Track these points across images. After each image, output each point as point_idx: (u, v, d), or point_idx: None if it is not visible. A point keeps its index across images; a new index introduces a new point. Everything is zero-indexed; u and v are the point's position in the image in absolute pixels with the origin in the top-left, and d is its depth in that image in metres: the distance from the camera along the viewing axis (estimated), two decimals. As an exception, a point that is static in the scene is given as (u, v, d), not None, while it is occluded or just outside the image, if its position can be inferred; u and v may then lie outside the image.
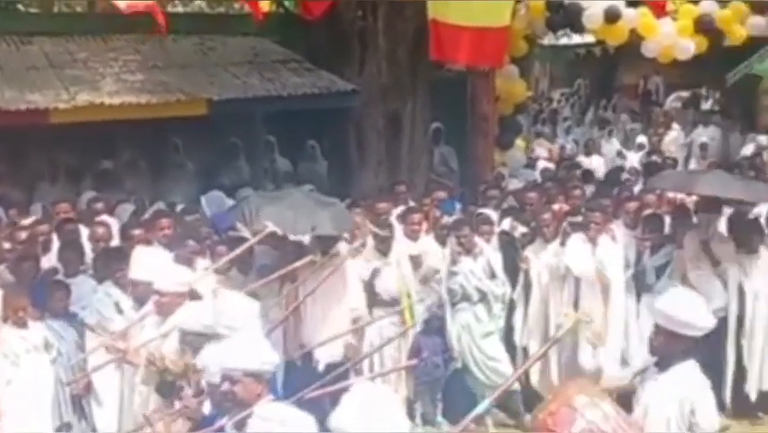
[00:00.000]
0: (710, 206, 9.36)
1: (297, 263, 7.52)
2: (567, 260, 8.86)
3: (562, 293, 8.98)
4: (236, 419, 4.58)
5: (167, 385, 6.28)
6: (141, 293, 7.23)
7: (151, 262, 7.26)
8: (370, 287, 8.64)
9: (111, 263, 7.87)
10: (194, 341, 5.91)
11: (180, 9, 13.62)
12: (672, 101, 24.08)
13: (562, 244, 8.94)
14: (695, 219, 9.42)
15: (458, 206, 10.71)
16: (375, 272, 8.66)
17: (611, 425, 4.13)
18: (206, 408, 5.39)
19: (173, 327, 6.42)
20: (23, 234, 8.73)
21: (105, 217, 9.31)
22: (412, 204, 10.00)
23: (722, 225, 9.44)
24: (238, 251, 7.74)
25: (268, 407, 4.49)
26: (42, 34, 12.26)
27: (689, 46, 14.18)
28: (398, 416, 4.18)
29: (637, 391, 5.18)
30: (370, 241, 8.91)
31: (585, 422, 4.11)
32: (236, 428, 4.60)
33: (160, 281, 6.77)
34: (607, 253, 8.92)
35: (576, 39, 21.75)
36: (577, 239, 8.92)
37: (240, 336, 4.84)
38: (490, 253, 9.08)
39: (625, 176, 13.21)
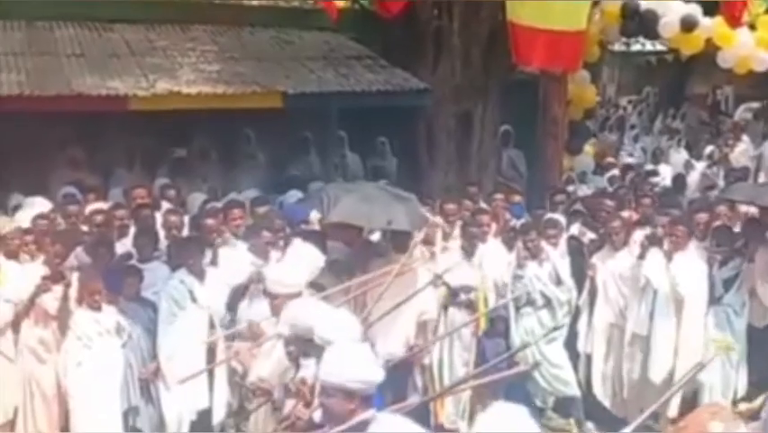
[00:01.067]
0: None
1: (386, 268, 7.29)
2: (646, 271, 8.82)
3: (640, 306, 8.95)
4: (334, 432, 4.53)
5: None
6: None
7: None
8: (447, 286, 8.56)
9: (185, 251, 8.02)
10: (295, 349, 5.88)
11: (256, 2, 13.70)
12: (743, 112, 23.76)
13: (641, 257, 8.90)
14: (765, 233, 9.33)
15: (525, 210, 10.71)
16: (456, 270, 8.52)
17: None
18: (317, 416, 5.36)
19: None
20: (100, 218, 8.91)
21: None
22: (483, 205, 10.04)
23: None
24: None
25: (385, 421, 4.42)
26: (123, 22, 12.45)
27: (765, 57, 14.00)
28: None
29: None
30: (453, 242, 8.96)
31: None
32: None
33: (271, 284, 6.78)
34: (682, 267, 8.86)
35: (647, 46, 21.65)
36: (655, 252, 8.89)
37: (338, 349, 4.69)
38: (557, 258, 9.09)
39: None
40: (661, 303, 8.86)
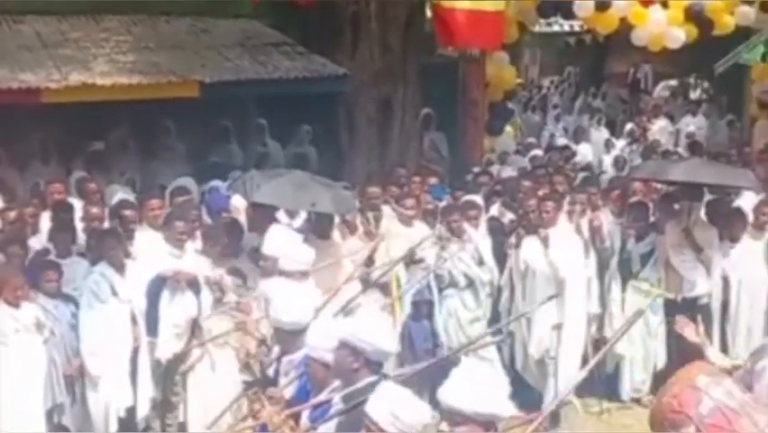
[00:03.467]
0: (691, 193, 9.46)
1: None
2: (524, 256, 8.98)
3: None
4: (346, 392, 4.67)
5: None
6: (268, 268, 7.51)
7: (281, 240, 7.55)
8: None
9: (104, 244, 7.92)
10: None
11: (173, -10, 13.56)
12: (661, 90, 24.20)
13: (517, 246, 9.04)
14: (677, 206, 9.51)
15: (447, 192, 10.77)
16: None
17: (737, 401, 4.13)
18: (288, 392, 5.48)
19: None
20: (12, 215, 8.73)
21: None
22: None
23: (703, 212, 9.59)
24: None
25: (388, 387, 4.45)
26: (34, 13, 12.20)
27: (679, 35, 14.23)
28: (504, 393, 4.28)
29: (756, 369, 5.17)
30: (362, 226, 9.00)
31: (711, 401, 4.11)
32: (344, 401, 4.68)
33: (284, 261, 7.15)
34: (558, 247, 8.91)
35: (566, 27, 21.92)
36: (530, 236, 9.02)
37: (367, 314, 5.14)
38: (479, 239, 9.17)
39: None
40: (540, 283, 8.90)
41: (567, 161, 13.43)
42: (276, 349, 6.14)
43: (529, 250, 8.95)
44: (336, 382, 4.88)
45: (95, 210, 8.77)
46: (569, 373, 8.13)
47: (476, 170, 11.86)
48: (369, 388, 4.56)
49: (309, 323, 5.50)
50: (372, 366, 4.73)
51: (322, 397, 4.94)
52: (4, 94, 9.96)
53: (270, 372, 6.02)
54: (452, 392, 4.19)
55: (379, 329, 4.88)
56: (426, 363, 5.88)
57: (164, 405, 8.09)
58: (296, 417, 5.11)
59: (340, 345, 4.75)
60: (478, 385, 4.19)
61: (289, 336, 5.68)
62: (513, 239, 9.19)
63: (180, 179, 10.06)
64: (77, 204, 9.17)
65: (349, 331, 4.75)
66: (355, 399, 4.57)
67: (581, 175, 11.61)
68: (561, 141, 17.20)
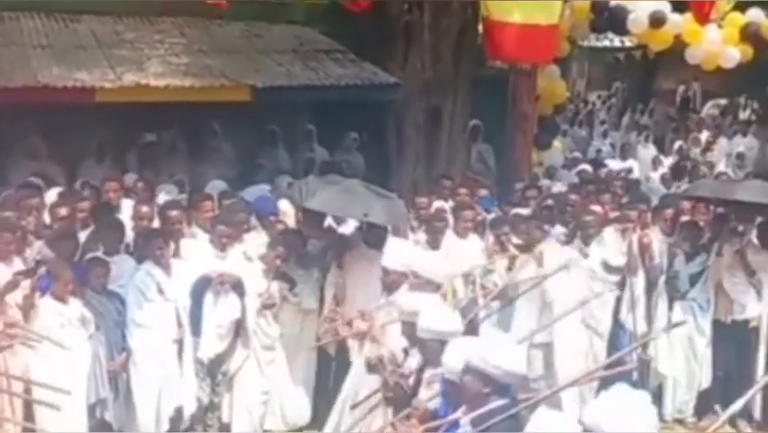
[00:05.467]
0: (746, 214, 9.35)
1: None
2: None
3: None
4: (473, 415, 4.67)
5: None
6: (392, 281, 7.50)
7: (410, 254, 7.73)
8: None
9: (150, 243, 7.98)
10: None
11: (227, -6, 13.64)
12: (710, 108, 23.97)
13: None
14: (733, 227, 9.40)
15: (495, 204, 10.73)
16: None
17: None
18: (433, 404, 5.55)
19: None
20: (63, 211, 8.81)
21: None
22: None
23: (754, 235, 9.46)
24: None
25: (544, 413, 4.48)
26: (91, 13, 12.35)
27: (734, 54, 14.12)
28: (652, 416, 4.22)
29: None
30: (421, 234, 8.99)
31: None
32: (473, 425, 4.68)
33: (386, 259, 7.40)
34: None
35: (616, 41, 21.79)
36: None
37: (488, 335, 5.13)
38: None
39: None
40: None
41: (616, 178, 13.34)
42: (413, 360, 6.19)
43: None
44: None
45: (144, 209, 8.84)
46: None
47: (522, 184, 11.79)
48: (498, 411, 4.61)
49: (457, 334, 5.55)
50: (501, 390, 4.71)
51: (456, 415, 4.97)
52: (60, 92, 10.06)
53: (411, 381, 6.08)
54: (598, 415, 4.14)
55: (507, 352, 4.83)
56: (556, 389, 5.77)
57: (206, 405, 8.15)
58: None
59: (467, 370, 4.75)
60: (623, 409, 4.13)
61: (434, 348, 5.71)
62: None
63: (215, 182, 10.14)
64: (127, 203, 9.27)
65: (477, 355, 4.72)
66: (484, 422, 4.60)
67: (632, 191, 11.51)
68: (608, 157, 17.12)
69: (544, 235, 8.88)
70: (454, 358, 5.01)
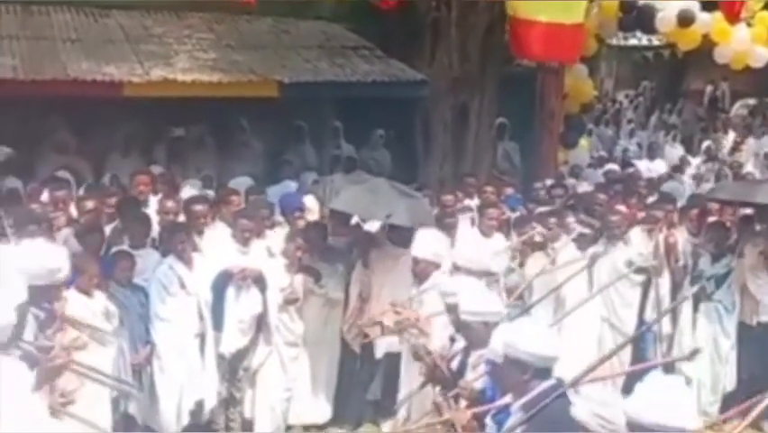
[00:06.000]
0: (768, 216, 9.29)
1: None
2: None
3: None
4: (524, 400, 4.68)
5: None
6: (420, 270, 7.68)
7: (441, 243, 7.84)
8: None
9: (173, 237, 8.00)
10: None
11: (254, -10, 13.67)
12: (738, 108, 23.78)
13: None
14: (757, 228, 9.33)
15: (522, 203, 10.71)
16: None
17: None
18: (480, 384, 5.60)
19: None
20: (90, 204, 8.87)
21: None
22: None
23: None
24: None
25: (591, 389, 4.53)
26: (119, 8, 12.43)
27: (763, 53, 14.01)
28: (691, 407, 4.22)
29: None
30: None
31: None
32: (524, 410, 4.69)
33: (417, 248, 7.56)
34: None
35: (644, 41, 21.66)
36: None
37: (516, 323, 4.99)
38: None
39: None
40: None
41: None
42: (458, 344, 6.24)
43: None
44: None
45: (170, 204, 8.86)
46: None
47: (549, 182, 11.74)
48: (547, 393, 4.63)
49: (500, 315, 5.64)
50: (540, 373, 4.73)
51: (504, 401, 4.98)
52: (89, 86, 10.12)
53: (455, 364, 6.13)
54: (639, 406, 4.13)
55: (539, 336, 4.84)
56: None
57: (228, 400, 8.18)
58: (479, 415, 5.23)
59: (505, 360, 4.77)
60: (665, 399, 4.12)
61: (478, 330, 5.74)
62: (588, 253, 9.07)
63: (240, 179, 10.17)
64: (153, 197, 9.31)
65: (510, 345, 4.74)
66: (534, 406, 4.62)
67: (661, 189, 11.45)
68: (635, 157, 17.04)
69: (559, 234, 8.89)
70: (496, 343, 5.03)
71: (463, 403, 5.51)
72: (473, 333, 5.83)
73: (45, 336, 5.70)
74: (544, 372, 4.74)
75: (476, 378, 5.70)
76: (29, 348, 5.13)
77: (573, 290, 8.17)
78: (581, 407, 4.30)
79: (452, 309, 6.24)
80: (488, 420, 5.18)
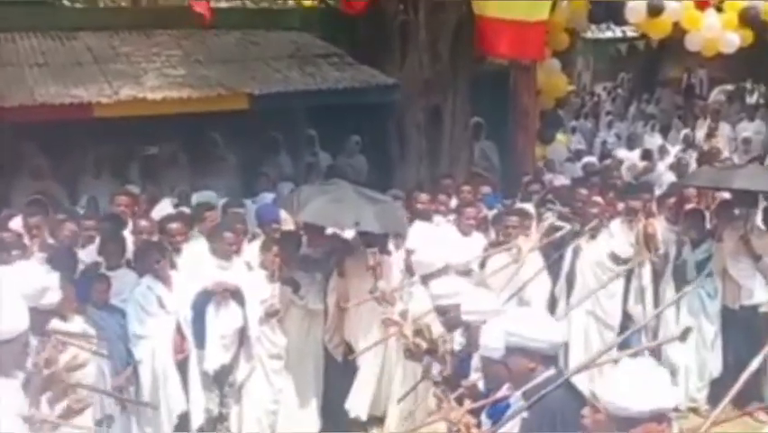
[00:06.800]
0: (748, 200, 9.28)
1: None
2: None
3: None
4: (526, 387, 4.72)
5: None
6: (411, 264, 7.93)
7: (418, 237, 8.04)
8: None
9: (148, 257, 7.96)
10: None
11: (223, 4, 13.64)
12: (717, 95, 23.85)
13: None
14: (736, 213, 9.33)
15: (500, 201, 10.70)
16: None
17: None
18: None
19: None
20: (64, 228, 8.79)
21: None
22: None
23: (759, 219, 9.39)
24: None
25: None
26: (86, 29, 12.34)
27: (733, 39, 14.02)
28: (667, 388, 4.21)
29: None
30: None
31: None
32: (525, 398, 4.72)
33: (421, 253, 7.71)
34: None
35: (619, 33, 21.71)
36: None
37: (520, 312, 5.23)
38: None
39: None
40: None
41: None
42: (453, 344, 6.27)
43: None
44: None
45: (143, 223, 8.83)
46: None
47: (526, 178, 11.73)
48: (547, 382, 4.68)
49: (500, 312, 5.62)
50: (547, 361, 4.78)
51: (501, 394, 5.02)
52: (58, 109, 10.03)
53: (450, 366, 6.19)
54: (614, 394, 4.13)
55: (545, 323, 4.90)
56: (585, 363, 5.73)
57: (216, 416, 8.13)
58: (474, 413, 5.26)
59: (510, 351, 4.80)
60: (637, 383, 4.12)
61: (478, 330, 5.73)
62: (571, 247, 9.06)
63: (204, 193, 10.13)
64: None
65: (516, 334, 4.77)
66: (534, 394, 4.66)
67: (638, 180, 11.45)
68: (613, 148, 17.04)
69: (524, 230, 8.95)
70: (495, 337, 5.00)
71: (468, 403, 5.49)
72: (475, 332, 5.80)
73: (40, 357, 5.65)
74: (550, 359, 4.80)
75: (479, 378, 5.68)
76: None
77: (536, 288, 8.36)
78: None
79: (445, 311, 6.23)
80: (482, 417, 5.20)
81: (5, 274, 5.93)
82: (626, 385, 4.12)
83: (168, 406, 7.80)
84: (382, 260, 8.13)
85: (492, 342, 5.06)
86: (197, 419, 7.94)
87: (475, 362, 5.80)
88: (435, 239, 8.62)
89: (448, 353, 6.22)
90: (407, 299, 7.82)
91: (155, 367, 7.75)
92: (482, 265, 8.63)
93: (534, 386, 4.71)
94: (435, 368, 6.35)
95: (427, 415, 6.43)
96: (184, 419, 7.92)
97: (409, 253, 8.07)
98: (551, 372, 4.75)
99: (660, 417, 4.14)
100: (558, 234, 8.87)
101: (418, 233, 8.77)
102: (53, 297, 6.12)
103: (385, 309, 7.69)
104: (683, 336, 5.51)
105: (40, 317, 5.71)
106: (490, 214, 9.73)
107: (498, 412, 5.02)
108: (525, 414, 4.73)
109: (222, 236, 8.16)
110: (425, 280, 7.46)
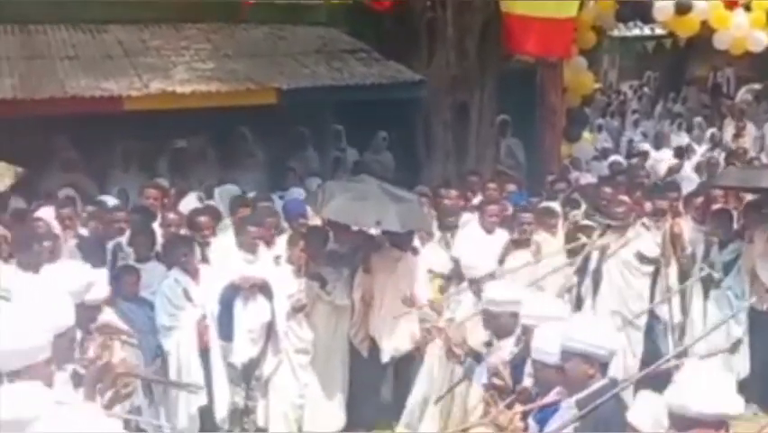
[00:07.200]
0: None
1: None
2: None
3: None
4: (579, 396, 4.70)
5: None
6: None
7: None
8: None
9: (176, 250, 8.01)
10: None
11: (251, -1, 13.68)
12: (744, 94, 23.69)
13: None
14: (765, 212, 9.27)
15: (526, 198, 10.69)
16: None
17: None
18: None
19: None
20: (95, 221, 8.87)
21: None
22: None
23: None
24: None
25: (647, 395, 4.57)
26: (117, 22, 12.43)
27: (761, 38, 13.95)
28: (733, 393, 4.20)
29: None
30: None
31: None
32: (578, 407, 4.70)
33: (466, 259, 7.61)
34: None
35: (646, 31, 21.61)
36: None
37: (581, 317, 5.31)
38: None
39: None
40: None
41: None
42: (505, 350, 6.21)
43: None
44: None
45: (172, 216, 8.88)
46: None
47: (552, 177, 11.72)
48: (601, 391, 4.66)
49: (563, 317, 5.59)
50: (604, 369, 4.77)
51: (552, 398, 5.00)
52: (88, 102, 10.12)
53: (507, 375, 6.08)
54: (680, 395, 4.14)
55: (606, 331, 4.89)
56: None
57: (241, 409, 8.17)
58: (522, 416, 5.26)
59: (569, 356, 4.76)
60: (705, 385, 4.13)
61: None
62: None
63: (226, 187, 10.20)
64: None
65: (579, 340, 4.74)
66: (588, 404, 4.64)
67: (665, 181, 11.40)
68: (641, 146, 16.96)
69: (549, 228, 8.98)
70: (550, 341, 5.00)
71: (518, 407, 5.46)
72: (528, 336, 5.72)
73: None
74: (605, 367, 4.78)
75: (532, 383, 5.63)
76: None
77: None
78: (638, 412, 4.34)
79: (497, 316, 6.20)
80: (530, 420, 5.19)
81: (53, 271, 6.02)
82: (700, 387, 4.13)
83: (188, 397, 7.83)
84: (406, 258, 8.14)
85: (547, 346, 5.02)
86: (221, 412, 7.97)
87: (527, 367, 5.74)
88: (483, 243, 8.64)
89: (501, 363, 6.08)
90: (455, 307, 7.77)
91: (180, 358, 7.78)
92: (501, 262, 8.61)
93: (588, 395, 4.69)
94: (482, 374, 6.28)
95: (464, 414, 6.44)
96: (209, 412, 7.95)
97: (456, 261, 7.98)
98: (604, 380, 4.75)
99: (719, 423, 4.15)
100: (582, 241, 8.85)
101: (466, 239, 8.77)
102: (100, 292, 6.19)
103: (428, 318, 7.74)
104: (733, 348, 5.48)
105: (86, 312, 5.75)
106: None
107: (545, 417, 5.01)
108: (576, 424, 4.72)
109: (247, 230, 8.18)
110: (474, 285, 7.39)
